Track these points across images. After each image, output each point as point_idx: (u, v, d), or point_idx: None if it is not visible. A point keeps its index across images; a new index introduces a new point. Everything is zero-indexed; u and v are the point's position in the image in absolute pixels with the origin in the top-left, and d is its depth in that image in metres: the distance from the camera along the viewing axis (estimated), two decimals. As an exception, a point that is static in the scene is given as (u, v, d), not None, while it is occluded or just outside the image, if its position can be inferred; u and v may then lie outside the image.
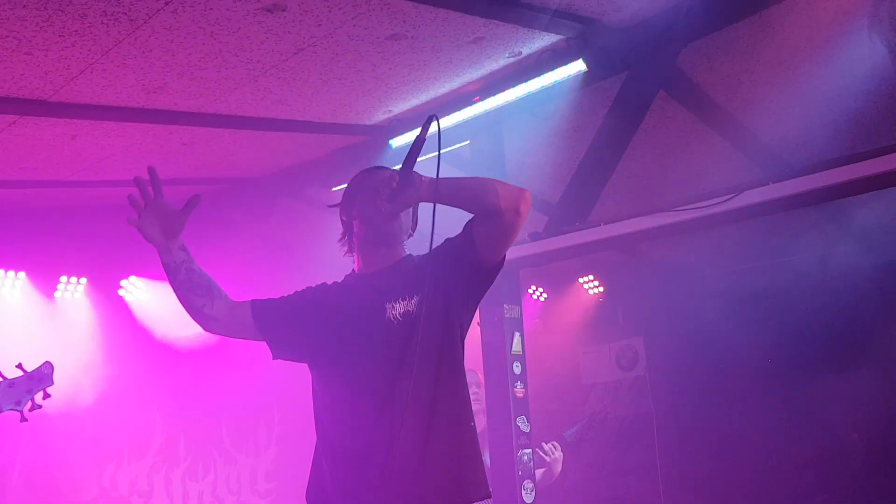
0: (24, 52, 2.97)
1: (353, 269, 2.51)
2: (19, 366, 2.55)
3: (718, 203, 3.17)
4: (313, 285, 2.52)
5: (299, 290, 2.50)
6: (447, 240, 2.39)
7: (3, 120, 3.59)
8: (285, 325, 2.41)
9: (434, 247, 2.32)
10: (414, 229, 2.51)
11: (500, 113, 4.19)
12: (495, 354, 4.18)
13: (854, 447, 5.41)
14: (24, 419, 2.54)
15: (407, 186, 2.25)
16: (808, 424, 5.62)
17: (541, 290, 7.27)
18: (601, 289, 7.08)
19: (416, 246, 2.50)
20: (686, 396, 6.40)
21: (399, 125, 4.54)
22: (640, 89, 3.82)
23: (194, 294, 2.36)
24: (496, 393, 4.15)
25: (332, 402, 2.35)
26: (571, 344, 7.20)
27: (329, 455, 2.31)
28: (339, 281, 2.52)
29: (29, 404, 2.55)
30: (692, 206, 3.27)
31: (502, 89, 3.99)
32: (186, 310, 2.41)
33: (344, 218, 2.51)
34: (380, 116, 4.42)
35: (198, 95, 3.67)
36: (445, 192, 2.27)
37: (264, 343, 2.44)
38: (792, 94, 4.15)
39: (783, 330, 5.74)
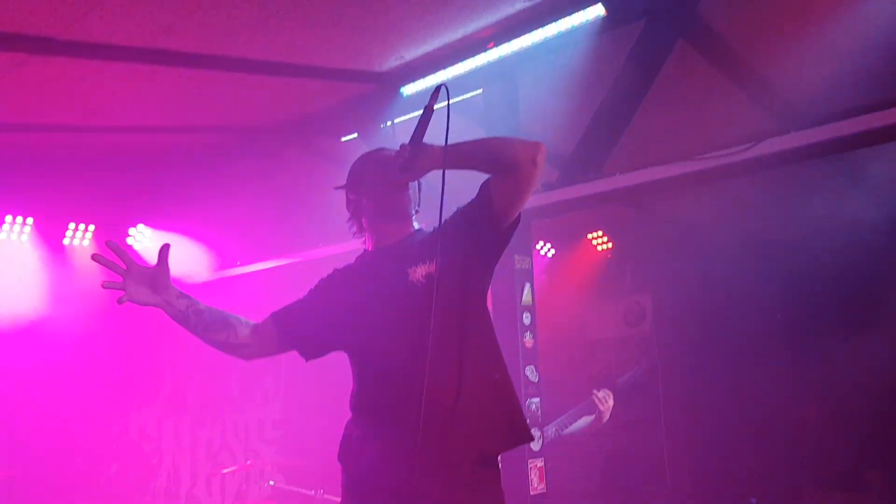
0: (33, -14, 2.91)
1: (364, 249, 2.52)
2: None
3: (739, 152, 3.12)
4: (325, 276, 2.54)
5: (313, 287, 2.52)
6: (460, 207, 2.40)
7: (13, 59, 3.53)
8: (312, 327, 2.46)
9: (445, 218, 2.33)
10: (419, 205, 2.52)
11: (514, 60, 4.12)
12: (505, 305, 4.17)
13: (864, 404, 5.41)
14: None
15: (419, 155, 2.28)
16: (816, 381, 5.61)
17: (549, 245, 7.23)
18: (610, 245, 7.05)
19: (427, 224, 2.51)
20: (692, 353, 6.41)
21: (411, 72, 4.47)
22: (659, 37, 3.74)
23: (213, 332, 2.42)
24: (505, 343, 4.11)
25: (367, 371, 2.38)
26: (578, 299, 7.19)
27: (366, 419, 2.34)
28: (352, 263, 2.53)
29: None
30: (711, 154, 3.22)
31: (517, 35, 3.92)
32: (216, 349, 2.46)
33: (352, 197, 2.51)
34: (391, 63, 4.35)
35: (207, 38, 3.60)
36: (459, 155, 2.28)
37: (278, 315, 2.47)
38: (812, 45, 4.07)
39: (794, 287, 5.72)
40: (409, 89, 4.53)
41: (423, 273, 2.31)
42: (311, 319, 2.45)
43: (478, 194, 2.35)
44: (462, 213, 2.38)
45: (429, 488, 2.18)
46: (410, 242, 2.42)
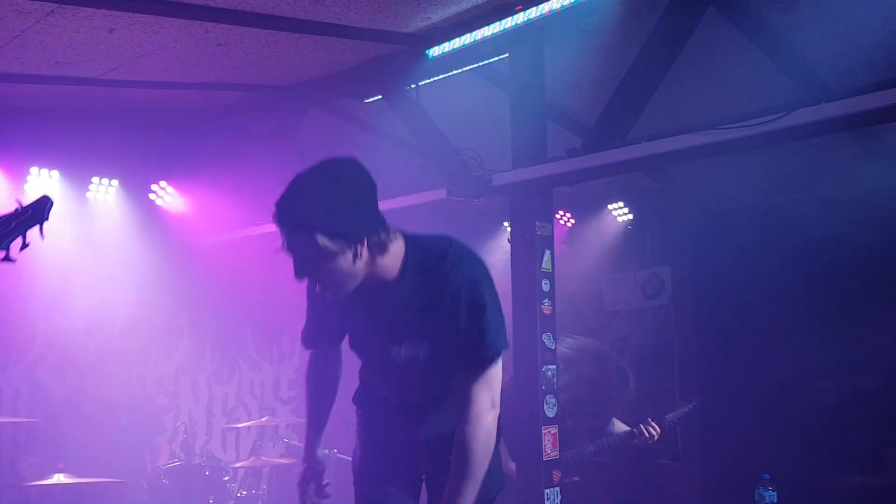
0: (65, -66, 2.91)
1: None
2: (17, 201, 2.19)
3: (768, 121, 3.08)
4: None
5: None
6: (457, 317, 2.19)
7: (41, 8, 3.54)
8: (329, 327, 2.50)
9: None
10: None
11: (541, 23, 4.08)
12: (525, 271, 4.18)
13: (884, 383, 5.38)
14: (9, 259, 2.10)
15: None
16: (835, 360, 5.58)
17: (568, 215, 7.22)
18: (630, 216, 7.02)
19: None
20: (710, 327, 6.39)
21: (437, 34, 4.45)
22: (689, 4, 3.70)
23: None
24: (524, 309, 4.15)
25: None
26: (596, 270, 7.18)
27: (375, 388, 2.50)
28: None
29: (19, 242, 2.12)
30: (739, 124, 3.19)
31: (546, -1, 3.89)
32: None
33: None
34: (418, 24, 4.32)
35: (237, -10, 3.60)
36: None
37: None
38: (845, 16, 4.01)
39: (816, 265, 5.66)
40: (435, 51, 4.51)
41: (406, 355, 2.29)
42: (331, 324, 2.48)
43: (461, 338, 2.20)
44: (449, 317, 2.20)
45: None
46: (399, 302, 2.23)
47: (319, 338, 2.52)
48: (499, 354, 2.21)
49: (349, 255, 2.03)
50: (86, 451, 5.12)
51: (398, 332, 2.26)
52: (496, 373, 2.20)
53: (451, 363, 2.23)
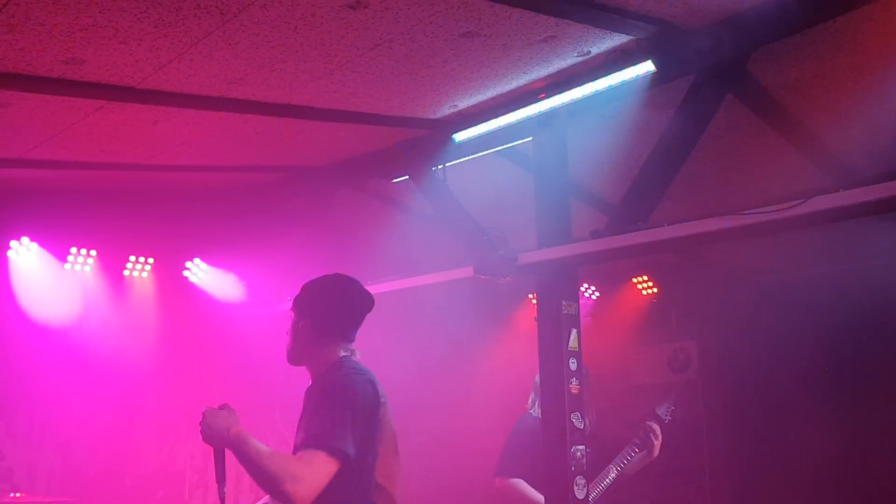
0: (119, 42, 3.11)
1: None
2: None
3: (787, 208, 3.16)
4: None
5: None
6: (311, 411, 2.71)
7: (92, 105, 3.76)
8: None
9: None
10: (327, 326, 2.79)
11: (564, 110, 4.23)
12: (552, 350, 4.23)
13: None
14: None
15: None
16: (866, 437, 5.52)
17: (593, 288, 7.28)
18: (655, 290, 7.06)
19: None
20: (738, 402, 6.36)
21: (463, 120, 4.61)
22: (708, 92, 3.82)
23: None
24: (551, 389, 4.19)
25: None
26: (622, 344, 7.19)
27: None
28: None
29: None
30: (760, 210, 3.27)
31: (568, 88, 4.03)
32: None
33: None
34: (445, 111, 4.50)
35: (275, 87, 3.79)
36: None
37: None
38: (863, 102, 4.11)
39: (842, 339, 5.66)
40: (461, 136, 4.67)
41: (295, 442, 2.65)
42: None
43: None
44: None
45: None
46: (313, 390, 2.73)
47: None
48: (317, 448, 2.49)
49: (299, 325, 2.77)
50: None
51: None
52: (312, 460, 2.47)
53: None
